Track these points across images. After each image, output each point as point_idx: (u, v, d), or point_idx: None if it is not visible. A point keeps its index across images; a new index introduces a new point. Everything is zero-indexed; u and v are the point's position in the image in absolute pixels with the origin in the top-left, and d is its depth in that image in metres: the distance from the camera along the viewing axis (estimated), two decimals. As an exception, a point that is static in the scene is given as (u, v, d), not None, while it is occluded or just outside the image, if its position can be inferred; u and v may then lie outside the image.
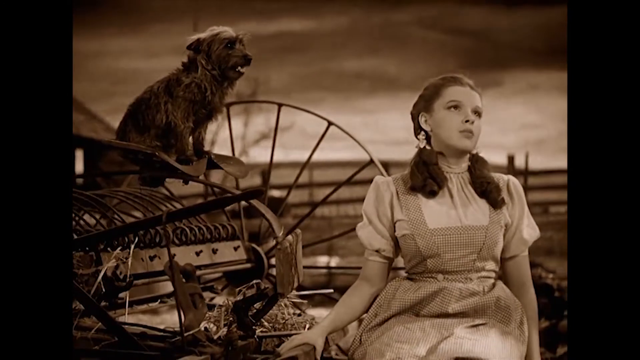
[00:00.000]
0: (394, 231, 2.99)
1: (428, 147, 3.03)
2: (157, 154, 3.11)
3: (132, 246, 3.33)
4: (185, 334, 2.78)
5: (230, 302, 3.15)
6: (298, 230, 3.17)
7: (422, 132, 3.05)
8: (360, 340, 2.94)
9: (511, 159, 21.47)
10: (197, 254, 3.87)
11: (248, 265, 4.26)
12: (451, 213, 2.93)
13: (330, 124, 4.60)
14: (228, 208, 4.21)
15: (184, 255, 3.75)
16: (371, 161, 4.62)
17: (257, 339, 3.07)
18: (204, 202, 3.07)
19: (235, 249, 4.21)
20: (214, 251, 3.99)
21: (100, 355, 2.85)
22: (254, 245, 4.34)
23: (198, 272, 3.79)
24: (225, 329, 3.04)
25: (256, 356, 3.00)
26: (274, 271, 4.32)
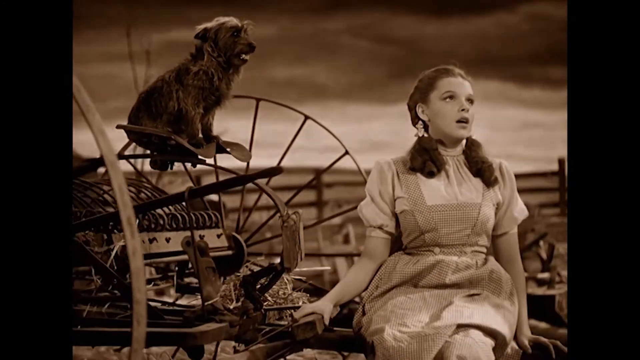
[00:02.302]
0: (394, 208, 3.24)
1: (426, 135, 3.29)
2: (172, 137, 3.30)
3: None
4: (205, 304, 2.98)
5: (238, 277, 3.35)
6: (300, 211, 3.39)
7: (420, 122, 3.31)
8: (363, 310, 3.17)
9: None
10: (187, 239, 4.06)
11: (230, 252, 4.45)
12: (448, 191, 3.20)
13: (306, 118, 4.80)
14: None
15: (176, 240, 3.94)
16: (346, 153, 4.85)
17: (263, 312, 3.28)
18: (225, 180, 3.25)
19: (218, 236, 4.40)
20: (201, 237, 4.18)
21: (124, 325, 3.02)
22: (234, 233, 4.53)
23: (187, 257, 4.00)
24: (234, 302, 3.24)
25: (263, 327, 3.22)
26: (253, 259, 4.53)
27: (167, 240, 3.83)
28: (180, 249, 3.91)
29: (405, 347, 2.77)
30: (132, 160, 4.75)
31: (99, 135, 1.88)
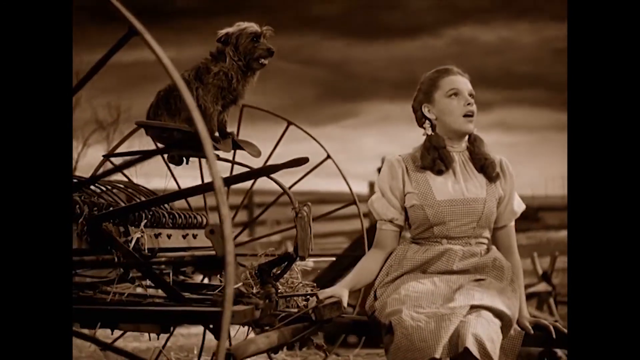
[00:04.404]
0: (404, 202, 3.45)
1: (434, 133, 3.51)
2: (194, 132, 3.46)
3: (143, 223, 3.65)
4: (234, 287, 3.15)
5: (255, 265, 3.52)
6: (309, 204, 3.57)
7: (427, 121, 3.53)
8: (375, 295, 3.38)
9: (372, 186, 22.30)
10: (184, 236, 4.22)
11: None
12: (455, 187, 3.42)
13: (289, 123, 5.00)
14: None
15: (175, 237, 4.10)
16: (328, 157, 5.04)
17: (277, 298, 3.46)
18: (252, 170, 3.43)
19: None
20: (194, 236, 4.35)
21: (154, 305, 3.18)
22: (220, 235, 4.68)
23: (184, 253, 4.17)
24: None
25: (278, 312, 3.39)
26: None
27: (169, 236, 4.00)
28: (181, 245, 4.10)
29: (423, 326, 2.97)
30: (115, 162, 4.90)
31: (194, 112, 2.05)
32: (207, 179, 4.85)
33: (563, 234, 12.84)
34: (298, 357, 6.08)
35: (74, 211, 3.24)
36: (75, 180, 3.50)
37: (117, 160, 4.49)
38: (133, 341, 7.03)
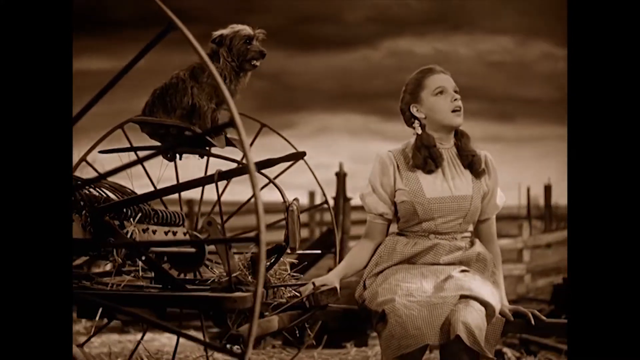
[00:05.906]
0: (394, 198, 3.62)
1: (424, 132, 3.66)
2: (191, 127, 3.61)
3: (137, 217, 3.77)
4: (232, 275, 3.29)
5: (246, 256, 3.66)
6: (298, 198, 3.72)
7: (416, 121, 3.68)
8: (364, 285, 3.54)
9: (312, 195, 22.63)
10: (166, 233, 4.35)
11: (193, 250, 4.74)
12: (444, 185, 3.59)
13: (263, 125, 5.14)
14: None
15: (159, 232, 4.23)
16: (302, 157, 5.19)
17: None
18: (255, 162, 3.56)
19: (184, 234, 4.70)
20: (174, 233, 4.48)
21: (158, 296, 3.30)
22: (196, 233, 4.81)
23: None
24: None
25: (270, 301, 3.53)
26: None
27: (154, 232, 4.13)
28: (164, 240, 4.22)
29: (416, 314, 3.14)
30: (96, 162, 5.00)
31: (230, 101, 2.20)
32: (182, 179, 4.96)
33: (504, 242, 13.13)
34: (263, 355, 6.20)
35: (78, 205, 3.37)
36: (74, 179, 3.61)
37: (106, 157, 4.60)
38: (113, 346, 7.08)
